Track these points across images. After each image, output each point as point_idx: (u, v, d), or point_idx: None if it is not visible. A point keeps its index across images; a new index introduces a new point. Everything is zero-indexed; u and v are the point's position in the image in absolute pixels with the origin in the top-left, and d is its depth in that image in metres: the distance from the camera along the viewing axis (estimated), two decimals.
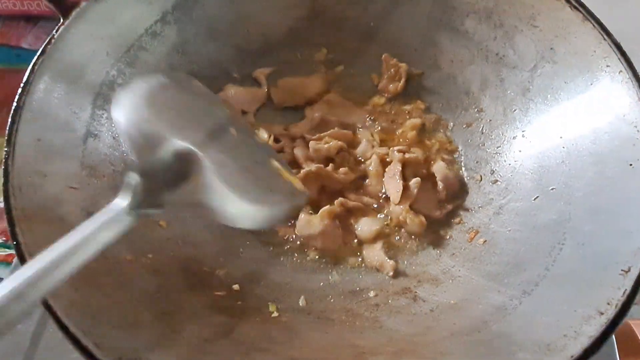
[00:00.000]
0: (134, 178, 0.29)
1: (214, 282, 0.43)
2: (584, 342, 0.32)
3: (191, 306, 0.39)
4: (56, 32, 0.42)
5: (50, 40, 0.41)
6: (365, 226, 0.47)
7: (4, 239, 0.64)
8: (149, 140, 0.32)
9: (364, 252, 0.46)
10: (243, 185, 0.33)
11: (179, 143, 0.32)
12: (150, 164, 0.31)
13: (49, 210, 0.38)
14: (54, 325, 0.45)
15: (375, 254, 0.46)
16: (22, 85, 0.40)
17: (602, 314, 0.33)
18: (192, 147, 0.32)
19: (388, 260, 0.45)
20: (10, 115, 0.39)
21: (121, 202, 0.30)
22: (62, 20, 0.43)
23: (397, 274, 0.45)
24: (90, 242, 0.28)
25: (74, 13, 0.43)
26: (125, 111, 0.33)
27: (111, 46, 0.45)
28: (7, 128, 0.38)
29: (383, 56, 0.54)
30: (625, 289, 0.33)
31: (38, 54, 0.41)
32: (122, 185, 0.30)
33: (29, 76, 0.40)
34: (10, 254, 0.68)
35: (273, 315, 0.41)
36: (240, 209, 0.32)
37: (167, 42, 0.49)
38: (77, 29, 0.43)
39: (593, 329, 0.32)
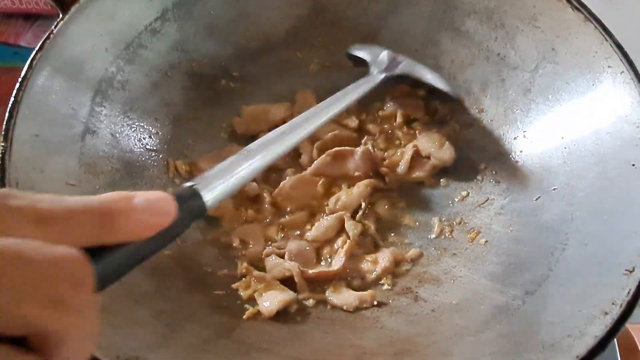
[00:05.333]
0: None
1: (213, 282, 0.42)
2: (588, 342, 0.32)
3: (190, 305, 0.39)
4: (55, 27, 0.42)
5: (49, 35, 0.41)
6: None
7: None
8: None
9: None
10: None
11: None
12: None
13: None
14: None
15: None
16: (19, 80, 0.39)
17: (606, 314, 0.33)
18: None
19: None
20: (8, 110, 0.38)
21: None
22: (61, 16, 0.43)
23: (398, 274, 0.45)
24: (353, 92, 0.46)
25: (73, 9, 0.43)
26: None
27: (110, 43, 0.45)
28: (4, 123, 0.38)
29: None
30: (630, 289, 0.33)
31: (36, 49, 0.40)
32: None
33: (27, 71, 0.40)
34: None
35: (272, 315, 0.41)
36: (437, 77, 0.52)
37: (166, 39, 0.49)
38: (76, 25, 0.43)
39: (598, 329, 0.32)
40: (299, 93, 0.54)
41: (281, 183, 0.47)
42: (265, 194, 0.47)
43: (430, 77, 0.50)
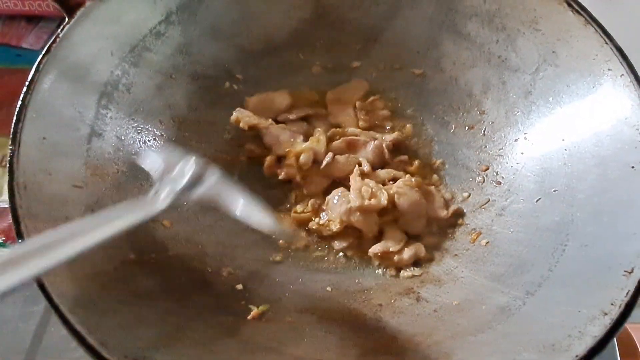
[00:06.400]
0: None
1: (217, 282, 0.43)
2: (588, 342, 0.32)
3: (195, 305, 0.39)
4: (61, 31, 0.42)
5: (55, 39, 0.41)
6: None
7: (4, 238, 0.64)
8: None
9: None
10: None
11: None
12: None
13: (54, 208, 0.38)
14: (56, 324, 0.46)
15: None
16: (27, 83, 0.40)
17: (606, 314, 0.33)
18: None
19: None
20: (15, 113, 0.39)
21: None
22: (67, 19, 0.43)
23: (399, 274, 0.45)
24: (115, 220, 0.33)
25: (79, 12, 0.43)
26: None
27: (116, 46, 0.46)
28: (12, 126, 0.38)
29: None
30: (629, 290, 0.34)
31: (43, 52, 0.41)
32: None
33: (34, 75, 0.40)
34: None
35: (276, 314, 0.41)
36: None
37: (171, 42, 0.49)
38: (82, 28, 0.43)
39: (597, 329, 0.33)
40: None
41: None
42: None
43: (240, 208, 0.39)
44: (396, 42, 0.54)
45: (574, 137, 0.44)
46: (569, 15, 0.44)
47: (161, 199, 0.36)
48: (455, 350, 0.37)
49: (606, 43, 0.42)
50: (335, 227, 0.47)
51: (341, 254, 0.47)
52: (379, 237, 0.47)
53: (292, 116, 0.54)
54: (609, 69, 0.42)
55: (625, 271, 0.34)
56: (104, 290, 0.36)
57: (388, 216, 0.47)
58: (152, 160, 0.39)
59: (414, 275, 0.45)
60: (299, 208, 0.49)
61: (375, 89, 0.55)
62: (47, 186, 0.38)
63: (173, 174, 0.37)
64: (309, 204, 0.49)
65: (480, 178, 0.49)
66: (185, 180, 0.37)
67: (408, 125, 0.53)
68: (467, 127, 0.52)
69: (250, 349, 0.37)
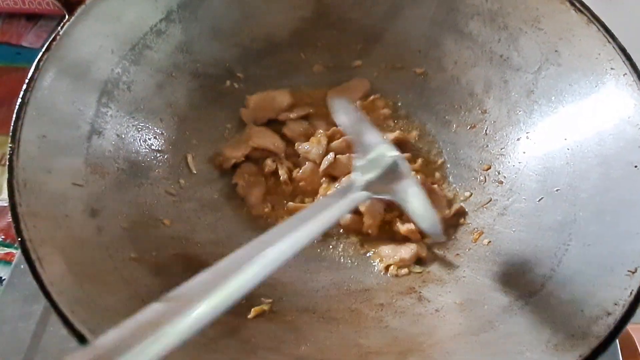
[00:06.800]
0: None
1: None
2: (592, 342, 0.32)
3: None
4: (61, 28, 0.42)
5: (55, 36, 0.41)
6: None
7: (3, 237, 0.63)
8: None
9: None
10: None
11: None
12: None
13: (54, 206, 0.37)
14: (55, 324, 0.46)
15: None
16: (27, 81, 0.39)
17: (609, 314, 0.33)
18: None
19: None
20: (15, 111, 0.38)
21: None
22: (67, 17, 0.43)
23: (400, 274, 0.45)
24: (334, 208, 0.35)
25: (79, 10, 0.43)
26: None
27: (116, 44, 0.45)
28: (12, 124, 0.38)
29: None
30: (632, 290, 0.33)
31: (43, 50, 0.41)
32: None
33: (33, 72, 0.40)
34: (10, 252, 0.68)
35: (276, 314, 0.41)
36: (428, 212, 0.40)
37: (171, 40, 0.49)
38: (82, 26, 0.43)
39: (601, 329, 0.32)
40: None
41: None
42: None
43: (418, 213, 0.40)
44: (397, 41, 0.54)
45: (577, 136, 0.43)
46: (571, 14, 0.44)
47: (358, 186, 0.37)
48: (457, 350, 0.36)
49: (609, 42, 0.42)
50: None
51: (343, 252, 0.47)
52: (380, 235, 0.47)
53: (293, 115, 0.54)
54: (611, 68, 0.42)
55: (628, 271, 0.34)
56: (104, 290, 0.36)
57: (393, 213, 0.47)
58: (367, 137, 0.41)
59: (411, 272, 0.45)
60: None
61: (377, 88, 0.55)
62: (47, 184, 0.38)
63: (370, 155, 0.39)
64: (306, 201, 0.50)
65: (482, 177, 0.49)
66: (380, 170, 0.39)
67: (414, 132, 0.53)
68: (468, 127, 0.51)
69: (250, 349, 0.37)
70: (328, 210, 0.34)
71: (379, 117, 0.54)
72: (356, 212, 0.47)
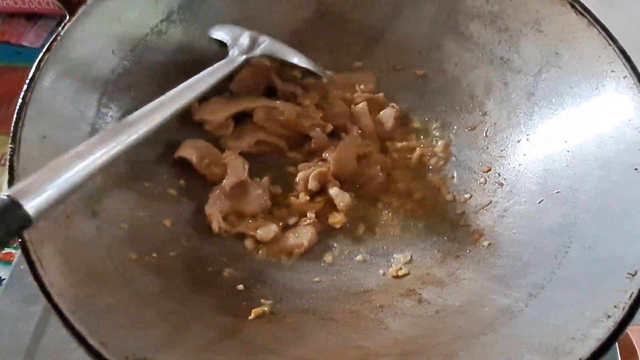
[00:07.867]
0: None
1: (218, 282, 0.42)
2: (591, 344, 0.32)
3: (196, 306, 0.39)
4: (62, 29, 0.42)
5: (56, 37, 0.41)
6: None
7: None
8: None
9: None
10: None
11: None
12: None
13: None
14: (55, 324, 0.46)
15: None
16: (27, 81, 0.39)
17: (609, 317, 0.33)
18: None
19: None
20: (16, 111, 0.38)
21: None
22: (68, 17, 0.43)
23: (401, 275, 0.45)
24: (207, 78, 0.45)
25: (80, 10, 0.43)
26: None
27: (117, 44, 0.45)
28: (12, 124, 0.38)
29: None
30: (632, 292, 0.34)
31: (44, 50, 0.41)
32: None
33: (34, 73, 0.40)
34: (10, 252, 0.68)
35: (276, 315, 0.41)
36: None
37: (172, 41, 0.49)
38: (83, 27, 0.43)
39: (601, 332, 0.32)
40: None
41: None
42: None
43: (293, 57, 0.51)
44: (398, 42, 0.54)
45: (577, 138, 0.43)
46: (572, 16, 0.44)
47: (236, 55, 0.49)
48: (457, 352, 0.36)
49: (609, 44, 0.42)
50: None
51: (342, 254, 0.47)
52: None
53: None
54: (612, 71, 0.42)
55: (628, 274, 0.34)
56: (104, 290, 0.36)
57: None
58: (223, 34, 0.50)
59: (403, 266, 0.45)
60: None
61: (377, 89, 0.55)
62: None
63: (239, 41, 0.50)
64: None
65: (482, 179, 0.49)
66: (247, 42, 0.49)
67: (413, 134, 0.53)
68: (469, 128, 0.51)
69: (251, 350, 0.37)
70: (214, 71, 0.46)
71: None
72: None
